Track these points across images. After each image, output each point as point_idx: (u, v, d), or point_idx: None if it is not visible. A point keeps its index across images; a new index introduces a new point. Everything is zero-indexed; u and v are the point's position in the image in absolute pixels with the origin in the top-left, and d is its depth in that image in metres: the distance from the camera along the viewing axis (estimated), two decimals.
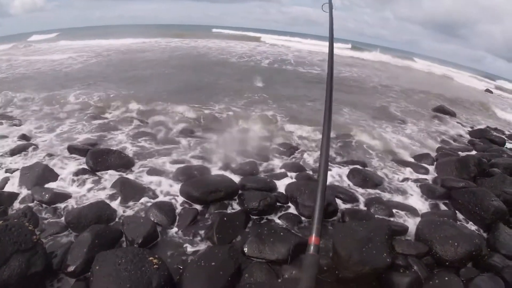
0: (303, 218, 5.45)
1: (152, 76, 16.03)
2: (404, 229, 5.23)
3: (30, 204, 5.13)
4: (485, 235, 5.51)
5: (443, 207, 6.28)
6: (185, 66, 19.21)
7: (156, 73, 16.79)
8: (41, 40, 37.46)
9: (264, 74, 17.73)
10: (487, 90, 30.66)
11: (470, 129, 13.02)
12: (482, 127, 13.59)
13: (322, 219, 1.72)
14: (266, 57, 27.50)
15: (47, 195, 5.17)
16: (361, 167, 7.52)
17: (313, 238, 1.64)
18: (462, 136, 11.93)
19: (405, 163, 8.23)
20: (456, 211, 6.08)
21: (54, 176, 5.85)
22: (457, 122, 13.91)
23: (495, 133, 12.71)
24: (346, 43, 44.62)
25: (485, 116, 16.32)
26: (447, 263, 4.56)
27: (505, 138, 12.29)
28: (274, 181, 6.33)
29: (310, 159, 7.99)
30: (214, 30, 57.12)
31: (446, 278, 4.14)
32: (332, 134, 9.63)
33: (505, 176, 6.91)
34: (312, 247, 1.65)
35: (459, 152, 9.61)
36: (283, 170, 7.01)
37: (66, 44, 31.11)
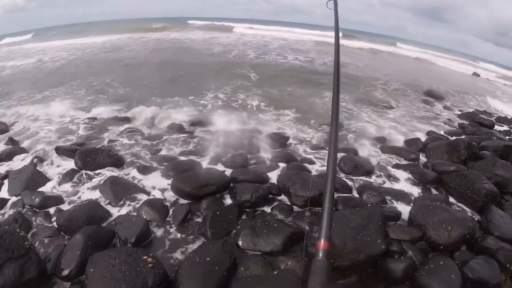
0: (296, 208, 5.45)
1: (136, 72, 15.88)
2: (397, 215, 5.25)
3: (21, 209, 5.06)
4: (477, 218, 5.55)
5: (435, 191, 6.32)
6: (167, 61, 18.96)
7: (140, 69, 16.62)
8: (13, 42, 34.59)
9: (251, 65, 17.81)
10: (475, 74, 30.92)
11: (459, 113, 13.10)
12: (470, 110, 13.67)
13: (331, 222, 1.65)
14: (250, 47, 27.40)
15: (37, 199, 5.09)
16: (352, 155, 7.54)
17: (321, 243, 1.57)
18: (451, 120, 12.01)
19: (395, 149, 8.26)
20: (448, 195, 6.11)
21: (43, 179, 5.78)
22: (446, 106, 14.00)
23: (483, 116, 12.81)
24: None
25: (473, 99, 16.43)
26: (441, 247, 4.59)
27: (494, 121, 12.39)
28: (266, 172, 6.32)
29: (300, 148, 8.00)
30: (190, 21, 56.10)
31: (441, 262, 4.16)
32: (321, 122, 9.71)
33: (495, 159, 6.97)
34: (321, 252, 1.58)
35: (449, 136, 9.68)
36: (274, 161, 7.00)
37: (37, 46, 28.68)
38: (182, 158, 6.94)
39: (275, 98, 12.18)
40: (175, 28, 42.61)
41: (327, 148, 7.49)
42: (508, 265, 4.39)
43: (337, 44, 2.49)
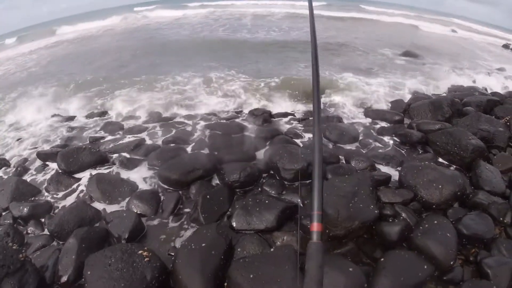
0: (286, 183, 5.44)
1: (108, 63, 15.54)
2: (387, 178, 5.25)
3: (11, 222, 4.96)
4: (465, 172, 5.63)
5: (422, 151, 6.36)
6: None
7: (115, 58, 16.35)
8: None
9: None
10: (452, 30, 31.15)
11: (439, 70, 13.13)
12: (450, 68, 13.72)
13: (322, 203, 1.60)
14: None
15: (25, 209, 4.99)
16: (336, 122, 7.56)
17: (315, 225, 1.54)
18: (432, 78, 12.03)
19: (379, 112, 8.33)
20: (435, 154, 6.15)
21: (29, 188, 5.65)
22: (425, 64, 14.08)
23: (464, 72, 12.93)
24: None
25: (451, 57, 16.51)
26: (433, 206, 4.65)
27: (475, 76, 12.52)
28: (252, 150, 6.30)
29: (284, 121, 8.01)
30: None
31: (435, 222, 4.20)
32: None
33: (479, 114, 7.06)
34: (315, 235, 1.55)
35: (431, 94, 9.72)
36: (259, 138, 6.91)
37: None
38: (166, 146, 6.85)
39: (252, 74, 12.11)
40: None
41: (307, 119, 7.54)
42: (501, 218, 4.48)
43: (311, 15, 2.43)
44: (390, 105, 8.90)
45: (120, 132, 7.82)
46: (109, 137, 7.57)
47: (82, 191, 5.53)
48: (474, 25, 40.56)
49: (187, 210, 4.99)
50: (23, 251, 4.03)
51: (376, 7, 45.03)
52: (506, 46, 26.92)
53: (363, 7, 43.93)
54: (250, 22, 26.13)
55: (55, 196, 5.53)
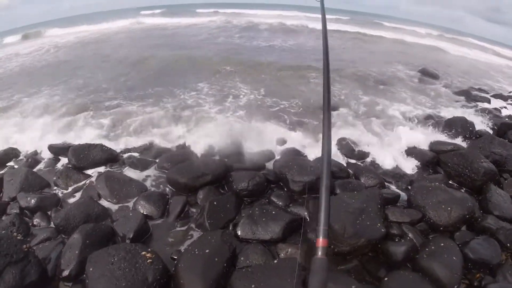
0: (294, 195, 5.41)
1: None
2: (396, 197, 5.24)
3: (18, 212, 4.98)
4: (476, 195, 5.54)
5: (433, 171, 6.30)
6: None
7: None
8: None
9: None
10: (469, 49, 30.99)
11: (454, 90, 13.01)
12: (466, 88, 13.60)
13: (328, 219, 1.59)
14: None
15: (33, 201, 5.02)
16: (348, 137, 7.47)
17: (320, 241, 1.53)
18: (447, 97, 11.98)
19: (392, 129, 8.23)
20: (446, 175, 6.09)
21: (38, 180, 5.69)
22: (441, 83, 13.99)
23: (479, 93, 12.77)
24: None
25: (468, 76, 16.36)
26: (441, 228, 4.61)
27: (490, 98, 12.37)
28: (262, 159, 6.28)
29: (295, 133, 7.88)
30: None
31: (442, 244, 4.17)
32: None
33: (493, 137, 7.01)
34: (320, 250, 1.54)
35: (445, 114, 9.63)
36: (269, 148, 6.88)
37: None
38: (176, 149, 6.85)
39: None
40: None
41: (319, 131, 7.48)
42: (508, 245, 4.41)
43: (324, 29, 2.36)
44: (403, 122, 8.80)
45: (132, 133, 7.75)
46: (122, 136, 7.55)
47: (90, 187, 5.55)
48: (492, 45, 40.14)
49: (193, 215, 5.00)
50: (28, 241, 4.07)
51: (396, 23, 44.66)
52: None
53: (384, 24, 43.62)
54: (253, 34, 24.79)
55: (63, 190, 5.57)
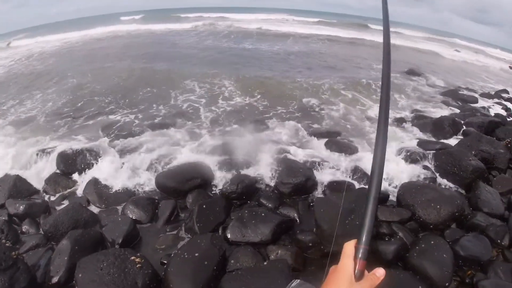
0: (283, 196, 5.42)
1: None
2: (385, 196, 5.27)
3: (6, 219, 4.93)
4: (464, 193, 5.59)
5: (421, 170, 6.33)
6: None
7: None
8: None
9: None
10: (456, 50, 31.36)
11: (442, 90, 13.15)
12: (453, 88, 13.76)
13: (370, 236, 1.21)
14: None
15: (21, 207, 5.00)
16: (336, 137, 7.57)
17: (358, 261, 1.15)
18: (434, 97, 12.12)
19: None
20: (435, 173, 6.13)
21: (27, 186, 5.66)
22: (428, 83, 14.13)
23: (466, 93, 12.93)
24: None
25: (455, 76, 16.56)
26: (431, 226, 4.63)
27: (477, 97, 12.57)
28: (251, 161, 6.25)
29: (283, 132, 7.95)
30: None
31: (432, 242, 4.18)
32: (306, 104, 9.79)
33: (480, 135, 7.05)
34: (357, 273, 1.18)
35: (433, 114, 9.73)
36: (258, 149, 6.78)
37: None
38: (165, 152, 6.78)
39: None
40: None
41: (314, 135, 7.50)
42: (499, 241, 4.44)
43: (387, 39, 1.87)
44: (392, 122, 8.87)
45: (120, 137, 7.71)
46: (109, 140, 7.45)
47: (78, 193, 5.53)
48: (478, 46, 40.66)
49: (182, 218, 4.99)
50: (17, 248, 4.07)
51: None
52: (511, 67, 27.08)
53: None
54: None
55: (52, 196, 5.54)
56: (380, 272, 1.15)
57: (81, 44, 25.20)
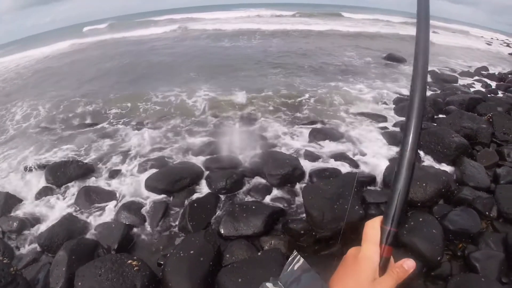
0: (272, 188, 5.49)
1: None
2: (371, 179, 5.38)
3: (0, 236, 4.95)
4: (450, 169, 5.70)
5: None
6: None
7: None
8: None
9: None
10: (434, 32, 31.58)
11: None
12: (433, 68, 13.89)
13: (399, 216, 1.01)
14: None
15: (15, 224, 4.99)
16: (321, 126, 7.67)
17: (382, 247, 0.98)
18: None
19: (363, 115, 8.42)
20: (420, 153, 6.23)
21: (18, 202, 5.65)
22: (408, 66, 14.25)
23: (446, 72, 13.09)
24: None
25: (434, 57, 16.72)
26: (419, 204, 4.73)
27: (457, 76, 12.75)
28: (238, 156, 6.33)
29: (269, 126, 8.01)
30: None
31: (421, 219, 4.27)
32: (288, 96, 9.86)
33: (462, 112, 7.18)
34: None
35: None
36: (244, 144, 6.88)
37: None
38: (153, 155, 6.84)
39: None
40: None
41: (297, 125, 7.56)
42: (487, 213, 4.57)
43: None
44: (374, 107, 8.99)
45: (106, 143, 7.76)
46: (97, 148, 7.53)
47: (70, 204, 5.54)
48: (456, 25, 41.04)
49: (175, 218, 5.04)
50: (14, 264, 4.04)
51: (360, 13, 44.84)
52: (488, 44, 27.52)
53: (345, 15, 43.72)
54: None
55: (43, 209, 5.50)
56: (409, 265, 0.92)
57: (32, 64, 22.12)
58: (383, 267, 0.91)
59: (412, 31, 1.14)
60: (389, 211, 0.97)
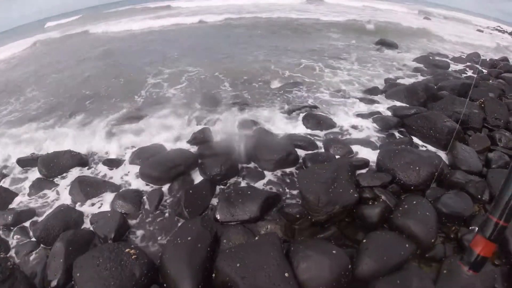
0: (267, 173, 5.52)
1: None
2: (365, 163, 5.40)
3: None
4: (443, 154, 5.76)
5: (399, 135, 6.53)
6: None
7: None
8: None
9: None
10: (425, 18, 31.62)
11: (413, 57, 13.28)
12: (424, 54, 13.92)
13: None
14: None
15: (10, 217, 4.93)
16: (313, 111, 7.64)
17: (483, 242, 0.95)
18: (406, 65, 12.20)
19: (356, 99, 8.44)
20: (412, 137, 6.33)
21: (12, 195, 5.60)
22: (399, 52, 14.25)
23: (438, 58, 13.11)
24: None
25: (426, 43, 16.75)
26: (412, 188, 4.79)
27: (449, 61, 12.76)
28: (231, 142, 6.22)
29: (262, 111, 7.96)
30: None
31: (414, 202, 4.35)
32: (279, 82, 9.90)
33: (453, 97, 7.23)
34: (472, 258, 1.01)
35: (406, 81, 9.90)
36: (237, 129, 6.94)
37: None
38: (146, 143, 6.74)
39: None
40: None
41: (285, 108, 7.58)
42: (479, 196, 4.63)
43: None
44: (365, 92, 8.97)
45: (98, 131, 7.57)
46: (87, 137, 7.34)
47: (64, 195, 5.50)
48: (447, 11, 40.84)
49: (171, 206, 5.04)
50: (11, 258, 4.09)
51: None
52: (479, 31, 27.60)
53: None
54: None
55: (38, 202, 5.48)
56: None
57: None
58: (477, 268, 0.83)
59: None
60: (501, 201, 0.91)
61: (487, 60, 13.45)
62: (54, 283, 3.76)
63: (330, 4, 36.31)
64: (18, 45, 23.36)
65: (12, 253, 4.49)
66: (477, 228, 0.91)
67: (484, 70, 11.65)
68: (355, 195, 4.35)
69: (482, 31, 27.73)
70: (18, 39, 26.18)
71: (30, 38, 24.93)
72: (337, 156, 5.71)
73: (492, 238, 0.77)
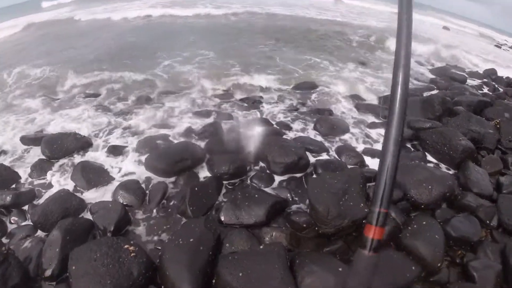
0: (275, 176, 5.39)
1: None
2: (376, 175, 5.21)
3: None
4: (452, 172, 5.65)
5: (412, 148, 6.40)
6: None
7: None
8: None
9: None
10: (445, 27, 31.32)
11: (430, 68, 13.08)
12: (442, 65, 13.71)
13: (390, 199, 1.13)
14: None
15: (8, 198, 4.78)
16: (327, 115, 7.53)
17: (372, 229, 1.08)
18: (423, 75, 12.01)
19: (370, 106, 8.28)
20: (425, 152, 6.19)
21: (12, 175, 5.44)
22: (417, 61, 14.00)
23: (455, 71, 12.88)
24: None
25: (444, 54, 16.52)
26: (422, 206, 4.65)
27: (466, 76, 12.50)
28: (242, 140, 6.10)
29: (275, 110, 7.88)
30: None
31: (424, 222, 4.22)
32: (292, 84, 9.76)
33: (470, 114, 7.06)
34: (368, 242, 1.14)
35: (423, 92, 9.71)
36: (248, 128, 6.66)
37: None
38: (154, 132, 6.67)
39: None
40: None
41: (298, 110, 7.46)
42: (488, 222, 4.52)
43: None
44: (381, 100, 8.80)
45: (108, 116, 7.57)
46: (96, 121, 7.33)
47: (66, 179, 5.38)
48: (465, 22, 40.57)
49: (174, 202, 4.90)
50: (6, 242, 4.02)
51: None
52: (497, 46, 27.32)
53: None
54: None
55: (38, 184, 5.37)
56: None
57: None
58: (375, 249, 1.02)
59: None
60: (378, 191, 1.08)
61: (504, 78, 13.18)
62: (48, 272, 3.65)
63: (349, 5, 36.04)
64: None
65: (7, 236, 4.38)
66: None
67: (500, 88, 11.44)
68: (365, 209, 4.20)
69: (500, 47, 27.43)
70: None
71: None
72: (349, 166, 5.59)
73: (378, 224, 1.04)
